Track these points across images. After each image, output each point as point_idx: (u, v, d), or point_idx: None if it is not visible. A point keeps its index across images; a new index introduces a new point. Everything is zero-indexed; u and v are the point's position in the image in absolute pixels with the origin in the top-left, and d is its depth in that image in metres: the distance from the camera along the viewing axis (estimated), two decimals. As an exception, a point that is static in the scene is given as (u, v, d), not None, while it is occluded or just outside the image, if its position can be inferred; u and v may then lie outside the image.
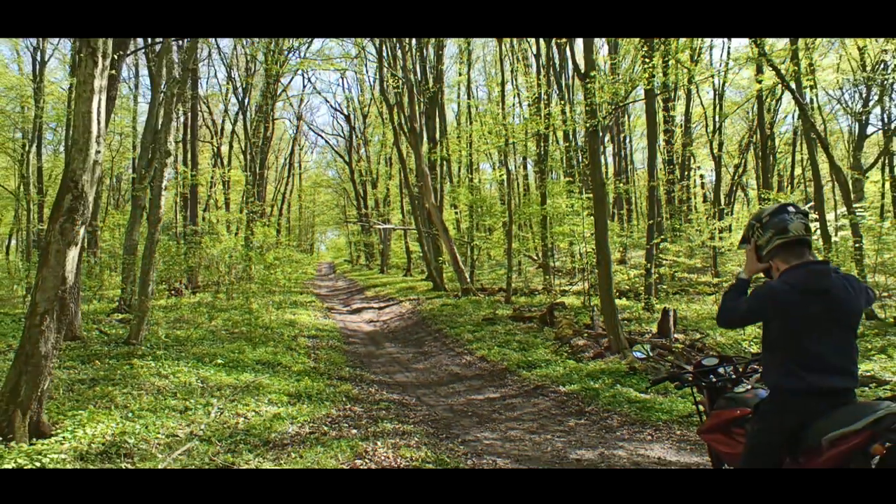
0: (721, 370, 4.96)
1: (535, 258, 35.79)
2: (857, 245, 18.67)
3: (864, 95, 31.30)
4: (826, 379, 3.81)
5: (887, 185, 30.95)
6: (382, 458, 7.37)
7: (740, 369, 4.97)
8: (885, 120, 27.47)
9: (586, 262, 25.35)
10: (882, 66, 27.62)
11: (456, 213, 42.24)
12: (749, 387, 4.73)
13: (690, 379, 5.00)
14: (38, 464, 5.78)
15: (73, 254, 6.67)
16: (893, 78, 27.00)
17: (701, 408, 5.15)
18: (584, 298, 23.73)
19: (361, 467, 7.00)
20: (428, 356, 17.25)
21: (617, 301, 17.03)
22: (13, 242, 46.33)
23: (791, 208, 4.08)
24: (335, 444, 7.70)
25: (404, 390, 12.86)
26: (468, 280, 29.55)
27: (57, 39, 32.84)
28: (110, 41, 6.99)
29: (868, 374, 12.08)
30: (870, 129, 33.66)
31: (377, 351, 18.13)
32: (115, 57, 13.34)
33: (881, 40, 22.89)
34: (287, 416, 8.90)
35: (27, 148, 34.80)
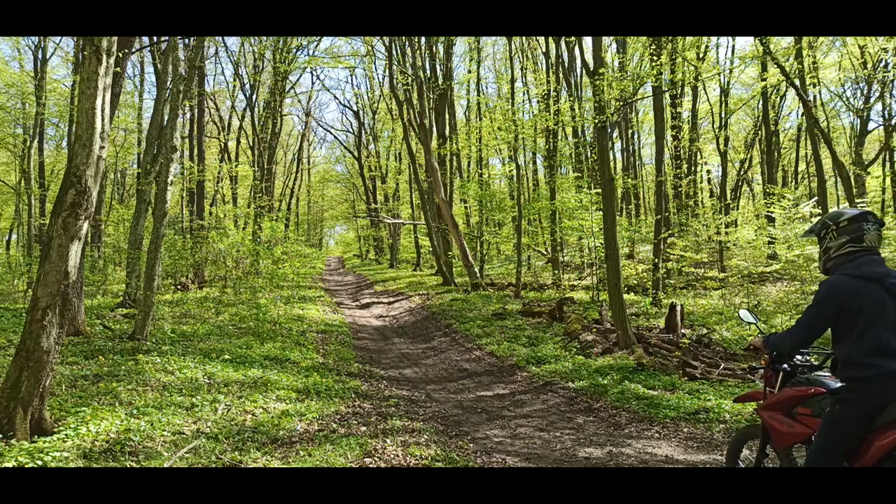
0: (799, 358, 5.00)
1: (545, 253, 35.73)
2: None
3: (865, 92, 31.34)
4: None
5: (888, 180, 30.97)
6: (392, 456, 7.28)
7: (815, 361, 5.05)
8: (886, 116, 27.46)
9: (595, 257, 25.29)
10: (882, 63, 27.63)
11: (465, 207, 42.25)
12: (828, 374, 4.75)
13: (769, 360, 5.05)
14: (39, 462, 5.68)
15: (75, 248, 6.59)
16: (894, 75, 26.96)
17: (767, 388, 5.15)
18: (592, 293, 23.66)
19: (371, 466, 6.90)
20: (437, 351, 17.18)
21: (625, 296, 16.93)
22: (14, 237, 46.43)
23: (871, 217, 4.20)
24: (344, 441, 7.61)
25: (413, 386, 12.79)
26: (478, 275, 29.50)
27: (59, 37, 32.85)
28: (115, 40, 6.91)
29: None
30: (871, 126, 33.92)
31: (386, 346, 18.07)
32: (120, 55, 13.26)
33: (882, 39, 22.83)
34: (295, 412, 8.81)
35: (28, 143, 34.85)
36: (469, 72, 45.45)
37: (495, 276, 34.31)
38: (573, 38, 27.45)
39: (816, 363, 5.04)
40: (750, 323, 5.54)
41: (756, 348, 4.99)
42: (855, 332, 4.02)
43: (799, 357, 5.03)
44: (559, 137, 34.16)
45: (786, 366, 4.97)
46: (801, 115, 32.64)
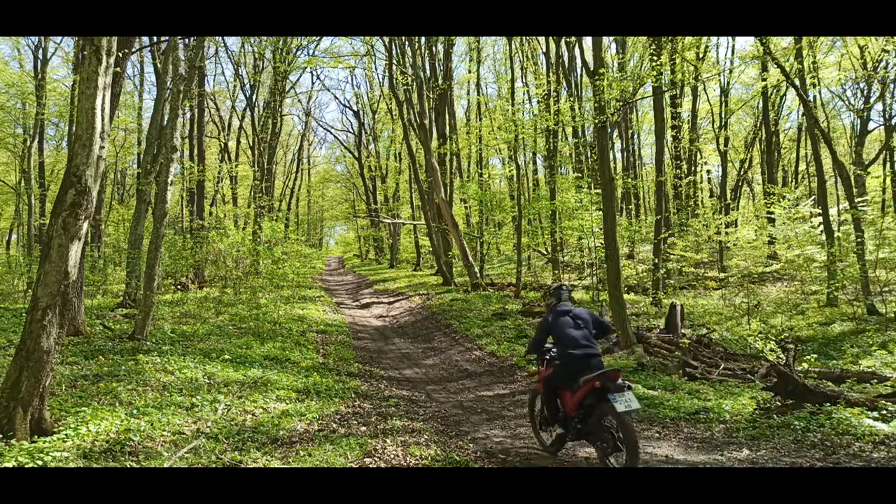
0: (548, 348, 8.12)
1: (545, 253, 35.72)
2: (859, 240, 18.65)
3: (865, 92, 31.37)
4: (581, 350, 7.27)
5: (888, 180, 31.02)
6: (392, 456, 7.28)
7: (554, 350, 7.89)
8: (886, 116, 27.48)
9: (595, 257, 25.30)
10: (882, 63, 27.66)
11: (465, 207, 42.22)
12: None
13: (538, 354, 8.23)
14: (39, 462, 5.68)
15: (75, 248, 6.58)
16: (894, 75, 27.00)
17: (539, 367, 8.33)
18: (592, 293, 23.66)
19: (371, 466, 6.90)
20: (437, 352, 17.18)
21: (625, 296, 16.95)
22: (14, 237, 46.41)
23: (564, 287, 8.09)
24: (344, 441, 7.61)
25: (413, 386, 12.79)
26: (478, 275, 29.51)
27: (59, 37, 32.85)
28: (115, 39, 6.91)
29: (869, 370, 11.99)
30: (871, 125, 33.94)
31: (386, 346, 18.06)
32: (120, 55, 13.26)
33: (882, 39, 22.89)
34: (295, 412, 8.81)
35: (28, 143, 34.84)
36: (469, 72, 45.47)
37: (495, 276, 34.32)
38: (573, 38, 27.53)
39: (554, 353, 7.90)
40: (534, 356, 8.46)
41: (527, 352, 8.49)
42: (556, 339, 7.53)
43: (549, 351, 8.07)
44: (559, 137, 34.17)
45: (546, 356, 8.06)
46: (801, 115, 32.70)
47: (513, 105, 34.45)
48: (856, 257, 19.13)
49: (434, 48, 35.14)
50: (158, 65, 25.26)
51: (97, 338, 13.19)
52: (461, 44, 41.38)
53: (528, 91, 42.65)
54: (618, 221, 17.43)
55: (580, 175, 30.38)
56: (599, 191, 19.27)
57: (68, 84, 34.12)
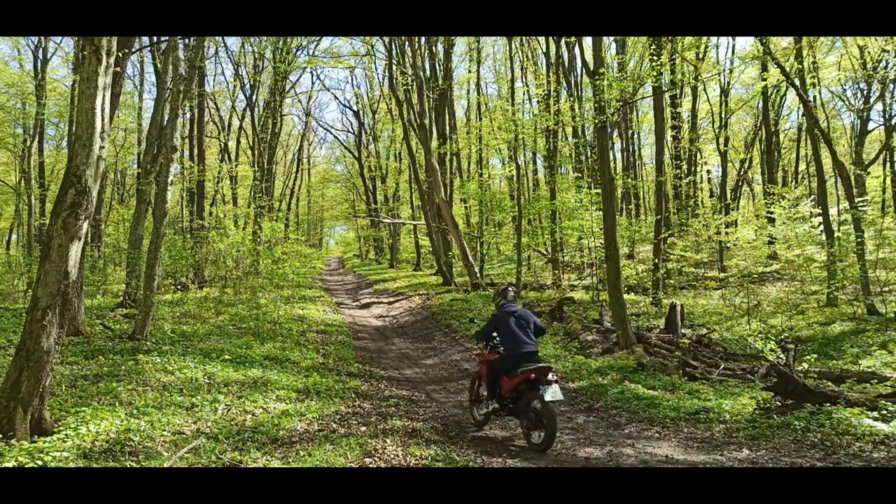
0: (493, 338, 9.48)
1: (545, 253, 35.73)
2: (859, 240, 18.66)
3: (865, 92, 31.38)
4: (524, 347, 8.71)
5: (888, 180, 31.02)
6: (392, 456, 7.28)
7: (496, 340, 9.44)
8: (886, 116, 27.48)
9: (595, 257, 25.30)
10: (882, 63, 27.67)
11: (465, 207, 42.23)
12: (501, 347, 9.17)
13: (485, 342, 9.64)
14: (39, 462, 5.67)
15: (75, 248, 6.58)
16: (894, 75, 27.00)
17: (484, 350, 9.79)
18: (592, 293, 23.66)
19: (371, 466, 6.90)
20: (437, 352, 17.18)
21: (625, 296, 16.95)
22: (14, 237, 46.40)
23: (511, 287, 9.73)
24: (344, 441, 7.61)
25: (413, 386, 12.80)
26: (478, 275, 29.50)
27: (59, 37, 32.85)
28: (115, 39, 6.91)
29: (869, 370, 11.99)
30: (871, 125, 33.91)
31: (386, 346, 18.06)
32: (120, 55, 13.26)
33: (882, 39, 22.89)
34: (295, 412, 8.81)
35: (28, 143, 34.82)
36: (469, 72, 45.45)
37: (495, 276, 34.31)
38: (573, 38, 27.52)
39: (498, 342, 9.30)
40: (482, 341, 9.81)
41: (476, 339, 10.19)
42: (503, 334, 8.98)
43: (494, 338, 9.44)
44: (559, 137, 34.16)
45: (491, 343, 9.47)
46: (802, 115, 32.69)
47: (513, 105, 34.43)
48: (856, 257, 19.14)
49: (434, 48, 35.15)
50: (158, 65, 25.25)
51: (97, 338, 13.19)
52: (461, 44, 41.40)
53: (528, 91, 42.65)
54: (618, 221, 17.43)
55: (580, 175, 30.36)
56: (599, 191, 19.28)
57: (68, 84, 34.14)
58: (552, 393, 8.08)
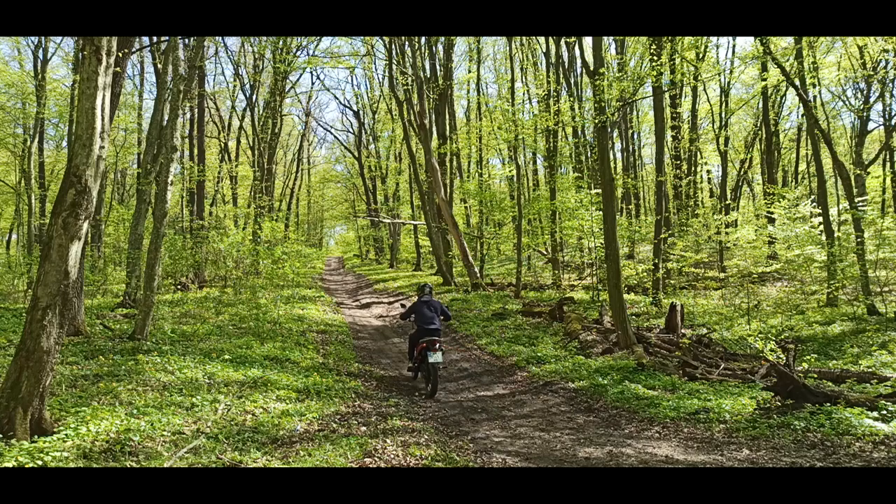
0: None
1: (545, 253, 35.73)
2: (858, 240, 18.66)
3: (865, 92, 31.39)
4: (428, 325, 12.38)
5: (888, 180, 31.01)
6: (391, 456, 7.28)
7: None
8: (886, 116, 27.50)
9: (595, 257, 25.30)
10: (882, 63, 27.69)
11: (465, 207, 42.26)
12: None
13: (406, 320, 13.31)
14: (39, 462, 5.67)
15: (75, 248, 6.58)
16: (894, 75, 27.02)
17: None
18: (592, 293, 23.66)
19: (371, 466, 6.90)
20: (436, 352, 17.19)
21: (625, 296, 16.94)
22: (14, 237, 46.39)
23: (427, 286, 13.41)
24: (344, 441, 7.61)
25: (413, 386, 12.80)
26: (478, 275, 29.50)
27: (59, 37, 32.82)
28: (115, 39, 6.91)
29: (869, 370, 11.98)
30: (871, 126, 33.94)
31: (386, 346, 18.06)
32: (120, 55, 13.27)
33: (882, 39, 22.89)
34: (296, 412, 8.81)
35: (28, 143, 34.81)
36: (469, 72, 45.47)
37: (495, 276, 34.33)
38: (573, 38, 27.52)
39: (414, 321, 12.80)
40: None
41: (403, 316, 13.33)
42: (417, 316, 12.63)
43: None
44: (559, 137, 34.18)
45: (411, 320, 13.02)
46: (802, 116, 32.75)
47: (513, 105, 34.43)
48: (856, 257, 19.13)
49: (434, 48, 35.18)
50: (158, 65, 25.27)
51: (97, 338, 13.20)
52: (461, 44, 41.42)
53: (528, 91, 42.70)
54: (618, 221, 17.41)
55: (580, 175, 30.40)
56: (599, 191, 19.28)
57: (68, 84, 34.10)
58: (435, 357, 11.73)
